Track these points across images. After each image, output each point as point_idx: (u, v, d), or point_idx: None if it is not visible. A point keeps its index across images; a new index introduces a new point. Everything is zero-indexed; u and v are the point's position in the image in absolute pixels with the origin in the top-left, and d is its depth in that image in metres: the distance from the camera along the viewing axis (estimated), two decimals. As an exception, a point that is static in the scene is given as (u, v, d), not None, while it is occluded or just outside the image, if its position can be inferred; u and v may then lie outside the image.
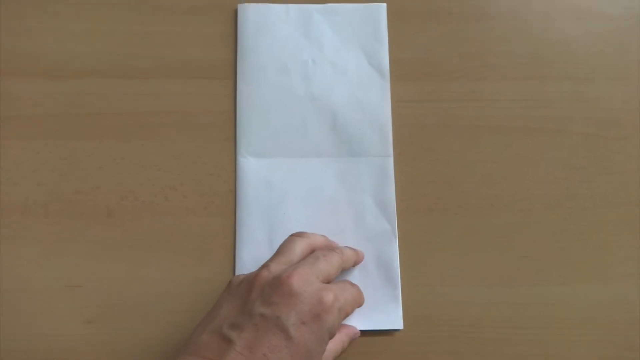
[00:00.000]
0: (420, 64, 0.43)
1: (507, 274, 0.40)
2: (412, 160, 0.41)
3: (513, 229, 0.40)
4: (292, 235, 0.36)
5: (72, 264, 0.38)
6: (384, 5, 0.44)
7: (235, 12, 0.44)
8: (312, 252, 0.35)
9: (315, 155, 0.41)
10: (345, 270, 0.37)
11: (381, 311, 0.38)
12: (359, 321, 0.38)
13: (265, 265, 0.33)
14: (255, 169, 0.41)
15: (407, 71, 0.43)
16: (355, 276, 0.39)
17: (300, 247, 0.34)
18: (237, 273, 0.39)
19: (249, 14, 0.44)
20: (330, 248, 0.36)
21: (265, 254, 0.36)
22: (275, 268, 0.32)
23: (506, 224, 0.40)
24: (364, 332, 0.38)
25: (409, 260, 0.39)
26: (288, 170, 0.41)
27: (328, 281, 0.33)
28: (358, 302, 0.35)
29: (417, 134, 0.42)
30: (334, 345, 0.34)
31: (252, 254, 0.39)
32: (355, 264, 0.38)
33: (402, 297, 0.39)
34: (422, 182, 0.41)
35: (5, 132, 0.41)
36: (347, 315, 0.33)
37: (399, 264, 0.39)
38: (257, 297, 0.30)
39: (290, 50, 0.43)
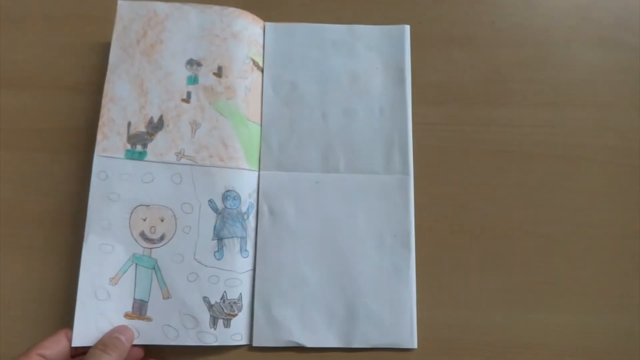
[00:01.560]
0: (442, 88, 0.44)
1: (527, 299, 0.40)
2: (433, 183, 0.42)
3: (534, 255, 0.41)
4: (93, 348, 0.35)
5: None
6: (407, 27, 0.46)
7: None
8: None
9: (334, 170, 0.43)
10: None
11: (395, 329, 0.39)
12: (373, 338, 0.39)
13: None
14: (278, 182, 0.42)
15: (429, 94, 0.44)
16: (370, 294, 0.40)
17: None
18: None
19: (274, 33, 0.45)
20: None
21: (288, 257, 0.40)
22: None
23: (527, 250, 0.41)
24: (376, 350, 0.39)
25: (427, 281, 0.40)
26: (307, 185, 0.42)
27: None
28: None
29: (438, 156, 0.43)
30: None
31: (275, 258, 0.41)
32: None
33: (418, 318, 0.39)
34: (443, 204, 0.42)
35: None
36: None
37: (415, 282, 0.40)
38: None
39: (312, 68, 0.45)
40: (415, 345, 0.39)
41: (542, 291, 0.40)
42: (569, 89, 0.45)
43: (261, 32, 0.45)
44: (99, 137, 0.40)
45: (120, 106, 0.41)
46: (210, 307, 0.38)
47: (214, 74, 0.43)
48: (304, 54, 0.45)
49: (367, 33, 0.46)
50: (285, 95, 0.44)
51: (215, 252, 0.40)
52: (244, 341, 0.39)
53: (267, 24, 0.46)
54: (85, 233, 0.38)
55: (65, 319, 0.37)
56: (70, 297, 0.37)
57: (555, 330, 0.39)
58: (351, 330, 0.40)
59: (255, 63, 0.44)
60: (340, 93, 0.44)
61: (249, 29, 0.44)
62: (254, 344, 0.39)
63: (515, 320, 0.40)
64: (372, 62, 0.45)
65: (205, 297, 0.39)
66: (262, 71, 0.44)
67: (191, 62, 0.43)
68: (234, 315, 0.39)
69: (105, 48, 0.42)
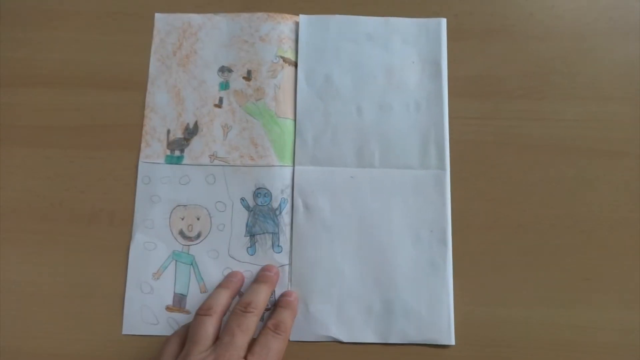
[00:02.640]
0: (480, 82, 0.43)
1: (566, 295, 0.39)
2: (471, 178, 0.41)
3: (574, 251, 0.39)
4: (198, 315, 0.36)
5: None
6: (444, 20, 0.45)
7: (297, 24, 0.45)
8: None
9: (369, 165, 0.42)
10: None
11: (432, 325, 0.39)
12: (410, 334, 0.39)
13: None
14: (313, 177, 0.42)
15: (466, 88, 0.43)
16: (407, 290, 0.39)
17: (211, 327, 0.35)
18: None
19: (308, 25, 0.45)
20: (242, 311, 0.35)
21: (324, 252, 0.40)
22: None
23: (567, 245, 0.40)
24: (413, 346, 0.38)
25: (464, 277, 0.39)
26: (342, 180, 0.42)
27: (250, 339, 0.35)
28: (282, 350, 0.36)
29: (475, 151, 0.42)
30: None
31: (311, 253, 0.41)
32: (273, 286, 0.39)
33: (456, 315, 0.39)
34: (481, 199, 0.41)
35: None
36: None
37: (452, 278, 0.39)
38: None
39: (347, 61, 0.44)
40: (452, 342, 0.38)
41: (581, 288, 0.39)
42: (609, 82, 0.43)
43: (293, 27, 0.46)
44: (142, 144, 0.44)
45: (160, 115, 0.44)
46: (244, 300, 0.40)
47: (244, 77, 0.45)
48: (338, 47, 0.45)
49: (403, 26, 0.45)
50: (319, 88, 0.44)
51: (247, 248, 0.41)
52: (278, 335, 0.40)
53: (302, 16, 0.46)
54: (133, 232, 0.42)
55: (113, 312, 0.40)
56: (116, 291, 0.41)
57: (594, 327, 0.38)
58: (388, 325, 0.39)
59: (285, 59, 0.45)
60: (375, 87, 0.44)
61: (278, 28, 0.45)
62: (291, 339, 0.40)
63: (553, 317, 0.38)
64: (408, 55, 0.44)
65: (240, 291, 0.40)
66: (296, 65, 0.45)
67: (222, 69, 0.45)
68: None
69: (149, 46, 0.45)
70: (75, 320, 0.40)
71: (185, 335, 0.36)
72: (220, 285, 0.39)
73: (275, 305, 0.39)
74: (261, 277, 0.39)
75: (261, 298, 0.37)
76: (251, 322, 0.35)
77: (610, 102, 0.43)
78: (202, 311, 0.36)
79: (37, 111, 0.44)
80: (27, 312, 0.40)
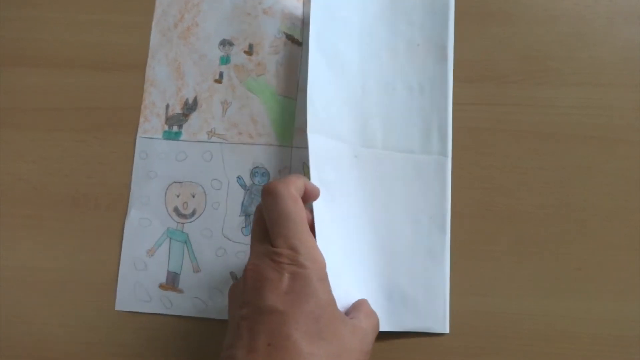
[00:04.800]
0: (477, 66, 0.42)
1: (560, 285, 0.38)
2: (467, 165, 0.40)
3: (568, 240, 0.38)
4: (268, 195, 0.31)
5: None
6: (452, 1, 0.42)
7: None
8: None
9: (371, 145, 0.40)
10: None
11: (428, 313, 0.38)
12: (406, 322, 0.38)
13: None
14: (326, 148, 0.39)
15: (464, 73, 0.41)
16: (405, 275, 0.38)
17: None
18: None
19: None
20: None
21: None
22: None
23: (561, 234, 0.38)
24: (406, 334, 0.38)
25: (458, 267, 0.38)
26: (347, 158, 0.40)
27: None
28: None
29: (472, 137, 0.40)
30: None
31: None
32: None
33: (450, 305, 0.38)
34: (476, 187, 0.40)
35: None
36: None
37: (449, 266, 0.38)
38: None
39: (355, 37, 0.42)
40: (447, 330, 0.37)
41: (577, 278, 0.38)
42: (609, 67, 0.41)
43: (298, 3, 0.44)
44: (141, 119, 0.43)
45: (160, 89, 0.43)
46: (237, 282, 0.39)
47: (245, 52, 0.43)
48: (347, 20, 0.42)
49: (410, 5, 0.43)
50: (329, 58, 0.41)
51: (242, 228, 0.40)
52: (271, 317, 0.39)
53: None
54: (128, 208, 0.41)
55: (108, 287, 0.40)
56: (110, 267, 0.41)
57: (592, 318, 0.37)
58: (385, 312, 0.38)
59: (289, 37, 0.43)
60: (379, 67, 0.42)
61: (282, 2, 0.44)
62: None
63: (549, 307, 0.38)
64: (413, 37, 0.42)
65: (232, 272, 0.40)
66: (299, 44, 0.43)
67: (224, 43, 0.43)
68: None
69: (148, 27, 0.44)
70: (67, 300, 0.40)
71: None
72: None
73: None
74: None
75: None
76: None
77: (609, 88, 0.41)
78: (270, 189, 0.31)
79: (40, 93, 0.44)
80: (19, 293, 0.41)
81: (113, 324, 0.39)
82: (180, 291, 0.40)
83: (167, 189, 0.41)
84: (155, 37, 0.44)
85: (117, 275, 0.40)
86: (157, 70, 0.43)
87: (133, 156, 0.42)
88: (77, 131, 0.43)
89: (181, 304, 0.40)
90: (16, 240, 0.41)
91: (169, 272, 0.40)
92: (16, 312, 0.40)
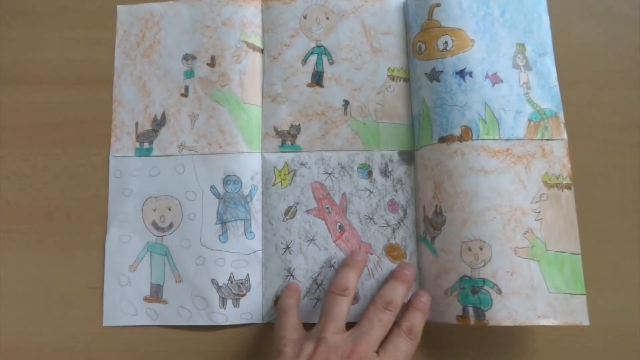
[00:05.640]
0: None
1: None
2: None
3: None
4: (333, 294, 0.36)
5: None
6: None
7: None
8: None
9: None
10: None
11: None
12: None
13: (320, 338, 0.34)
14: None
15: None
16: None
17: (346, 307, 0.36)
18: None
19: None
20: (384, 307, 0.36)
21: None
22: (332, 340, 0.34)
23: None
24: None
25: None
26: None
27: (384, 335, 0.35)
28: (412, 354, 0.36)
29: None
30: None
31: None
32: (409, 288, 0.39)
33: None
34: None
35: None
36: None
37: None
38: None
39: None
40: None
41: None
42: (567, 65, 0.41)
43: (256, 11, 0.45)
44: (112, 139, 0.44)
45: (128, 108, 0.44)
46: (219, 288, 0.40)
47: (208, 64, 0.44)
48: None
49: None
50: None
51: (219, 235, 0.41)
52: (254, 320, 0.41)
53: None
54: (107, 226, 0.42)
55: (94, 304, 0.41)
56: (89, 279, 0.42)
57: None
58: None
59: (249, 45, 0.44)
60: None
61: (240, 12, 0.45)
62: (265, 321, 0.40)
63: None
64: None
65: (213, 279, 0.41)
66: (261, 51, 0.44)
67: (187, 57, 0.45)
68: (243, 295, 0.40)
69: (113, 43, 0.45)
70: (55, 317, 0.41)
71: (297, 311, 0.37)
72: (348, 265, 0.39)
73: (409, 304, 0.38)
74: (400, 275, 0.39)
75: (400, 298, 0.37)
76: (390, 319, 0.36)
77: (565, 86, 0.40)
78: (338, 290, 0.37)
79: (9, 110, 0.45)
80: (6, 311, 0.41)
81: (102, 339, 0.41)
82: (165, 302, 0.41)
83: (143, 205, 0.42)
84: (119, 58, 0.45)
85: (99, 287, 0.41)
86: (124, 89, 0.44)
87: (104, 168, 0.43)
88: (47, 146, 0.44)
89: (167, 315, 0.41)
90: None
91: (152, 285, 0.41)
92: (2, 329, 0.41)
